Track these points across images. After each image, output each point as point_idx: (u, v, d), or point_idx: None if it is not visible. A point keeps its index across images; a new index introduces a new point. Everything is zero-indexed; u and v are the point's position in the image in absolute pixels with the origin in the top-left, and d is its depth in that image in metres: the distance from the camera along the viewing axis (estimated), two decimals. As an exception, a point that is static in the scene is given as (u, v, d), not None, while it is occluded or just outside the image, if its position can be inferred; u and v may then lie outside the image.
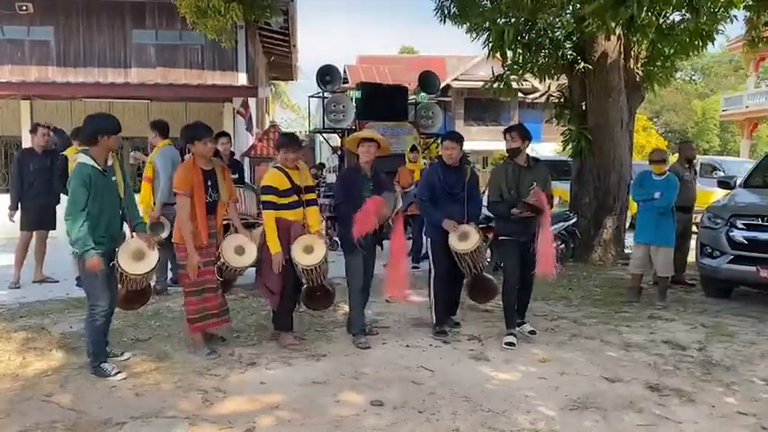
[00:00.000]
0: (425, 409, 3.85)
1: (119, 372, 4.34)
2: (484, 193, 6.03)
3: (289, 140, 5.12)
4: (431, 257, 5.47)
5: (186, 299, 4.83)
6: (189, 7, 8.66)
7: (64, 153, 7.02)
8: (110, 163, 4.40)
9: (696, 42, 8.52)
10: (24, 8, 12.90)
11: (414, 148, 9.49)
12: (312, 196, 5.17)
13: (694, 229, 7.91)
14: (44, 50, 14.51)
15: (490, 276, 5.69)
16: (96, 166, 4.27)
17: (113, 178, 4.40)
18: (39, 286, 7.27)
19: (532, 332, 5.32)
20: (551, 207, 5.29)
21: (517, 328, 5.27)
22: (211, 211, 4.80)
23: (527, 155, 5.28)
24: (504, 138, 5.25)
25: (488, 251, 8.22)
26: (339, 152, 11.88)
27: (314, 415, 3.75)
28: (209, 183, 4.75)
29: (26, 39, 14.45)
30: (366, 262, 5.21)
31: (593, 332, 5.55)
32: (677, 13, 8.12)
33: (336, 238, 8.23)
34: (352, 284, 5.22)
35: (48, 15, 14.22)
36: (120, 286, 4.56)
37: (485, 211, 8.01)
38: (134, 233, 4.61)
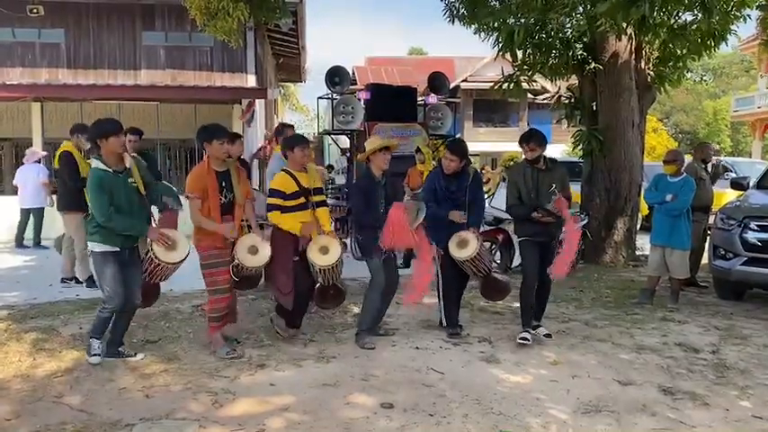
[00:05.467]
0: (436, 411, 3.82)
1: (97, 355, 4.55)
2: (488, 192, 6.01)
3: (298, 138, 5.19)
4: (438, 261, 5.44)
5: (209, 298, 4.91)
6: (198, 9, 8.66)
7: (62, 148, 7.08)
8: (127, 165, 4.46)
9: (708, 42, 8.45)
10: (35, 11, 12.95)
11: (418, 150, 9.43)
12: (321, 198, 5.20)
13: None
14: (55, 53, 14.58)
15: (501, 276, 5.64)
16: (107, 168, 4.33)
17: (130, 180, 4.45)
18: (49, 287, 7.28)
19: (548, 335, 5.28)
20: (569, 208, 5.26)
21: (533, 331, 5.24)
22: (227, 211, 4.80)
23: (544, 157, 5.26)
24: (522, 148, 5.20)
25: (498, 253, 8.20)
26: (348, 154, 11.86)
27: (324, 417, 3.73)
28: (224, 184, 4.77)
29: (37, 41, 14.53)
30: (389, 266, 5.18)
31: (604, 334, 5.49)
32: (689, 12, 8.04)
33: (346, 241, 8.22)
34: (374, 284, 5.16)
35: (58, 18, 14.29)
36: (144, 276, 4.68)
37: (494, 213, 8.03)
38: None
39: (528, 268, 5.24)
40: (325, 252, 4.94)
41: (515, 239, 7.28)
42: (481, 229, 5.59)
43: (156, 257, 4.54)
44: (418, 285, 5.25)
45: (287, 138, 5.47)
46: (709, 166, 7.82)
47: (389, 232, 4.90)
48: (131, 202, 4.45)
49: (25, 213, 10.90)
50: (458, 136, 12.47)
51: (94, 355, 4.56)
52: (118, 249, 4.43)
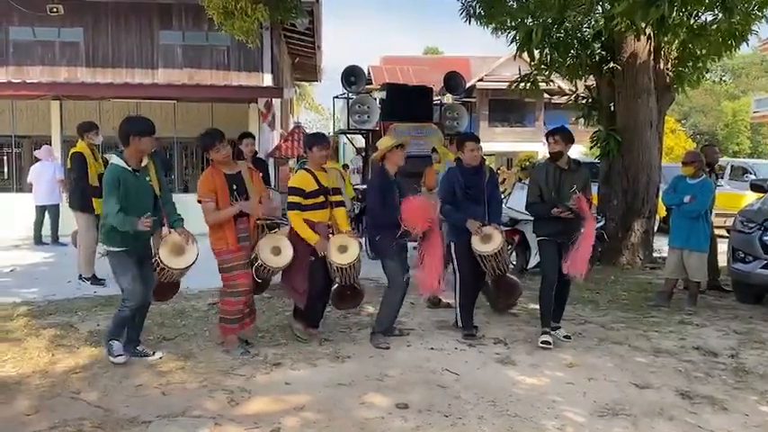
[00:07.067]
0: (451, 412, 3.81)
1: (121, 355, 4.50)
2: (504, 192, 5.98)
3: (319, 137, 5.22)
4: (455, 262, 5.43)
5: (223, 299, 4.88)
6: (216, 8, 8.71)
7: (75, 149, 7.18)
8: (144, 164, 4.46)
9: (729, 43, 8.35)
10: (55, 10, 13.10)
11: (434, 150, 9.42)
12: (339, 198, 5.22)
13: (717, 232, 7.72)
14: (74, 51, 14.75)
15: (514, 277, 5.61)
16: (127, 167, 4.34)
17: (147, 179, 4.46)
18: (67, 284, 7.35)
19: (567, 337, 5.25)
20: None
21: (552, 332, 5.21)
22: (242, 213, 4.77)
23: (568, 157, 5.22)
24: (547, 141, 5.19)
25: (513, 254, 8.16)
26: (363, 153, 11.87)
27: (339, 417, 3.73)
28: (235, 186, 4.74)
29: (56, 40, 14.70)
30: (402, 262, 5.19)
31: (621, 337, 5.45)
32: (709, 12, 7.96)
33: (360, 240, 8.23)
34: (393, 284, 5.14)
35: (77, 17, 14.45)
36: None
37: (510, 213, 7.99)
38: (172, 229, 4.62)
39: (547, 268, 5.21)
40: (344, 251, 4.95)
41: (532, 240, 7.25)
42: None
43: (161, 261, 4.49)
44: (429, 278, 5.27)
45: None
46: (728, 168, 7.73)
47: (407, 217, 4.93)
48: (146, 202, 4.44)
49: (40, 210, 10.96)
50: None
51: (119, 355, 4.50)
52: (131, 250, 4.44)
